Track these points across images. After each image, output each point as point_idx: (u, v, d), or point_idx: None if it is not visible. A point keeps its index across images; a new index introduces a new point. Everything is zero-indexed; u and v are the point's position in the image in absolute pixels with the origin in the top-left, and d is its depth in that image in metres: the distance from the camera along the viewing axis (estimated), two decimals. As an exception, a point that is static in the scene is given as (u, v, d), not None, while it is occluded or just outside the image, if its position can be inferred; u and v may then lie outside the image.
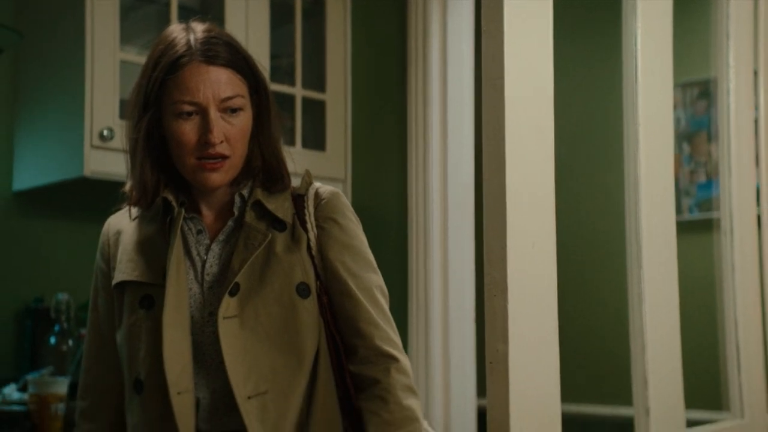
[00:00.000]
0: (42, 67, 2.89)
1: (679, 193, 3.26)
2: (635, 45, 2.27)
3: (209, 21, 1.62)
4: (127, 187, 1.65)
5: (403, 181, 3.23)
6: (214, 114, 1.54)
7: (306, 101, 3.26)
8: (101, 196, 1.78)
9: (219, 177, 1.57)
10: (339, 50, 3.36)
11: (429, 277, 3.11)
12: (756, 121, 2.86)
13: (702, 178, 3.25)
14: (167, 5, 2.91)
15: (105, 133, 2.69)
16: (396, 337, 1.61)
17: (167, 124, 1.56)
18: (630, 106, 2.28)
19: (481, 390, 1.77)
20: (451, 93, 3.14)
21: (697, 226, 3.17)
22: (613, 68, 2.42)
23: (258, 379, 1.52)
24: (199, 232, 1.62)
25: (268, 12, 3.11)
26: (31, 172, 2.90)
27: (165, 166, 1.62)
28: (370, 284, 1.61)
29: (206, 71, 1.54)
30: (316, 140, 3.32)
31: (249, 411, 1.50)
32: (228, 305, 1.53)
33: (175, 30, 1.59)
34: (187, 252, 1.60)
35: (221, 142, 1.55)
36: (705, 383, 2.77)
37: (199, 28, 1.58)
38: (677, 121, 3.28)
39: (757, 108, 2.87)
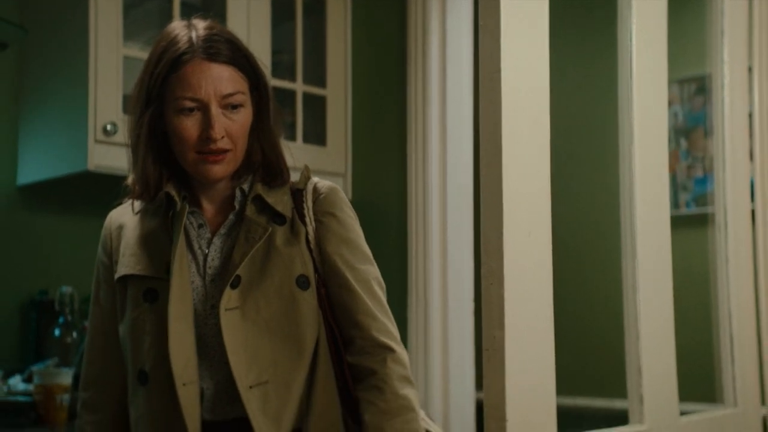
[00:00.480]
0: (46, 63, 2.90)
1: (677, 187, 3.26)
2: (630, 40, 2.27)
3: (211, 18, 1.63)
4: (130, 180, 1.66)
5: (403, 175, 3.22)
6: (215, 110, 1.55)
7: (307, 97, 3.27)
8: (105, 190, 1.78)
9: (221, 169, 1.58)
10: (339, 46, 3.37)
11: (428, 270, 3.10)
12: (750, 117, 2.87)
13: (699, 173, 3.25)
14: (170, 2, 2.92)
15: (108, 127, 2.70)
16: (393, 329, 1.62)
17: (169, 119, 1.58)
18: (625, 101, 2.27)
19: (480, 383, 1.77)
20: (451, 88, 3.14)
21: (694, 221, 3.17)
22: (609, 63, 2.41)
23: (259, 369, 1.54)
24: (200, 226, 1.63)
25: (269, 9, 3.12)
26: (36, 167, 2.91)
27: (167, 160, 1.63)
28: (367, 276, 1.63)
29: (208, 68, 1.55)
30: (316, 135, 3.33)
31: (251, 400, 1.52)
32: (230, 297, 1.54)
33: (178, 27, 1.60)
34: (189, 246, 1.61)
35: (222, 137, 1.56)
36: (699, 375, 2.78)
37: (201, 26, 1.59)
38: (675, 116, 3.28)
39: (751, 104, 2.88)
